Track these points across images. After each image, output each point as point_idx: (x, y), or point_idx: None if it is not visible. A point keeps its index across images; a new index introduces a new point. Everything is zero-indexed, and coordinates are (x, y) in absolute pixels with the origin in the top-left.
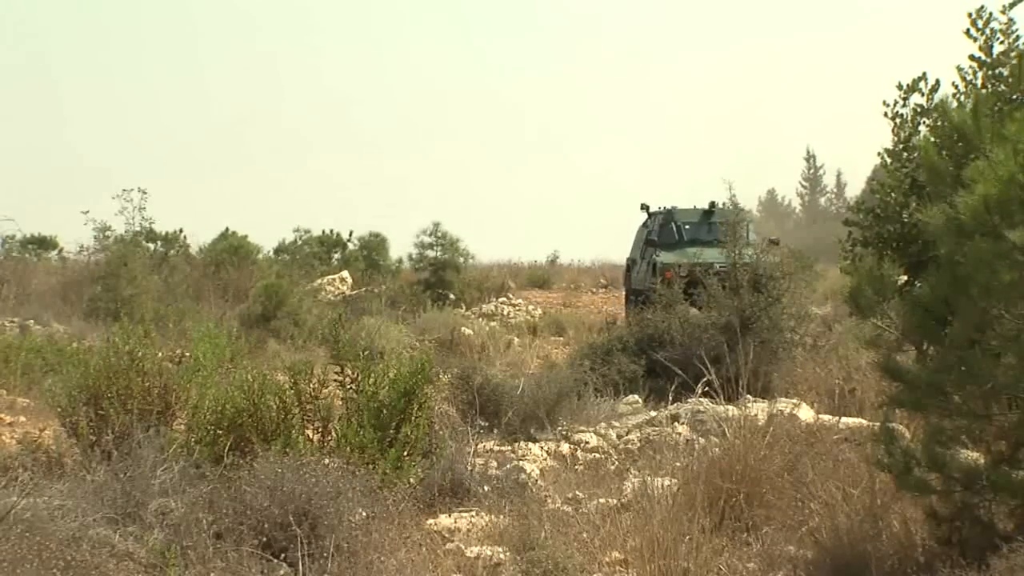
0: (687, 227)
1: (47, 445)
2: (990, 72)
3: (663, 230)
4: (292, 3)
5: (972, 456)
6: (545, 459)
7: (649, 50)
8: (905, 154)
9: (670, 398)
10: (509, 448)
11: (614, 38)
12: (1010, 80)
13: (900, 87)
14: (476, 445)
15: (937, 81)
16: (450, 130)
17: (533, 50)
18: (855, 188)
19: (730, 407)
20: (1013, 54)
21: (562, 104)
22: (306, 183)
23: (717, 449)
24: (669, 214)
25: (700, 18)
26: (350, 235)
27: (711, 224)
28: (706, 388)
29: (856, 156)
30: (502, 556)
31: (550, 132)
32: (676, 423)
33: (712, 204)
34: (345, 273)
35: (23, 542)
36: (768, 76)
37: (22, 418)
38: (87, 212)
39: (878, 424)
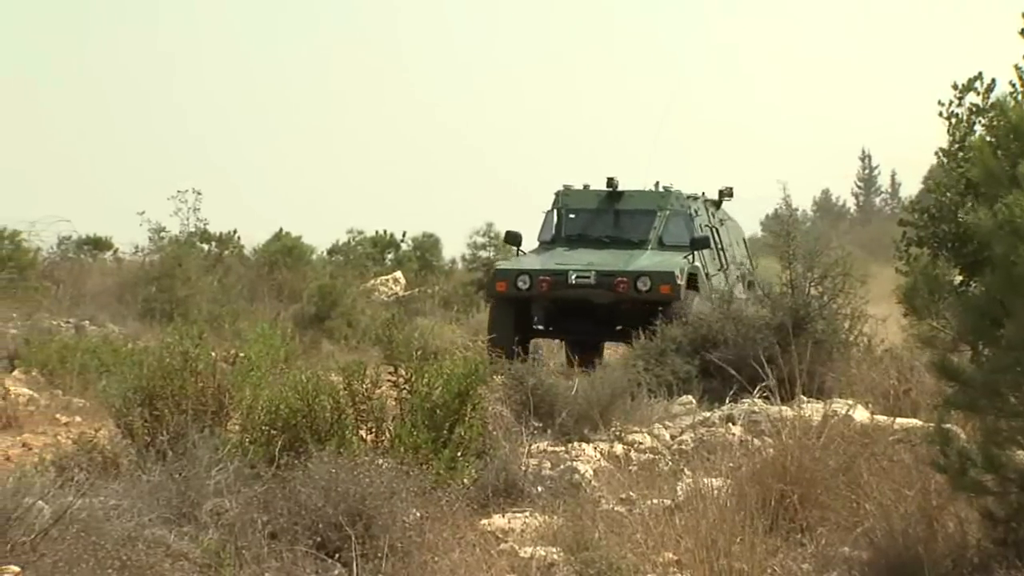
0: (572, 216)
1: (102, 445)
2: None
3: (544, 221)
4: (344, 2)
5: None
6: (599, 460)
7: (688, 46)
8: (960, 154)
9: (728, 399)
10: (563, 449)
11: (656, 33)
12: None
13: (956, 87)
14: (530, 446)
15: (993, 80)
16: (503, 128)
17: (582, 45)
18: (910, 188)
19: (784, 408)
20: None
21: (611, 98)
22: (360, 184)
23: (771, 450)
24: (555, 198)
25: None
26: (403, 236)
27: (617, 212)
28: (763, 390)
29: (911, 156)
30: (556, 557)
31: (597, 129)
32: (730, 424)
33: (611, 181)
34: (398, 274)
35: (79, 542)
36: (824, 74)
37: (78, 418)
38: (142, 213)
39: (933, 425)
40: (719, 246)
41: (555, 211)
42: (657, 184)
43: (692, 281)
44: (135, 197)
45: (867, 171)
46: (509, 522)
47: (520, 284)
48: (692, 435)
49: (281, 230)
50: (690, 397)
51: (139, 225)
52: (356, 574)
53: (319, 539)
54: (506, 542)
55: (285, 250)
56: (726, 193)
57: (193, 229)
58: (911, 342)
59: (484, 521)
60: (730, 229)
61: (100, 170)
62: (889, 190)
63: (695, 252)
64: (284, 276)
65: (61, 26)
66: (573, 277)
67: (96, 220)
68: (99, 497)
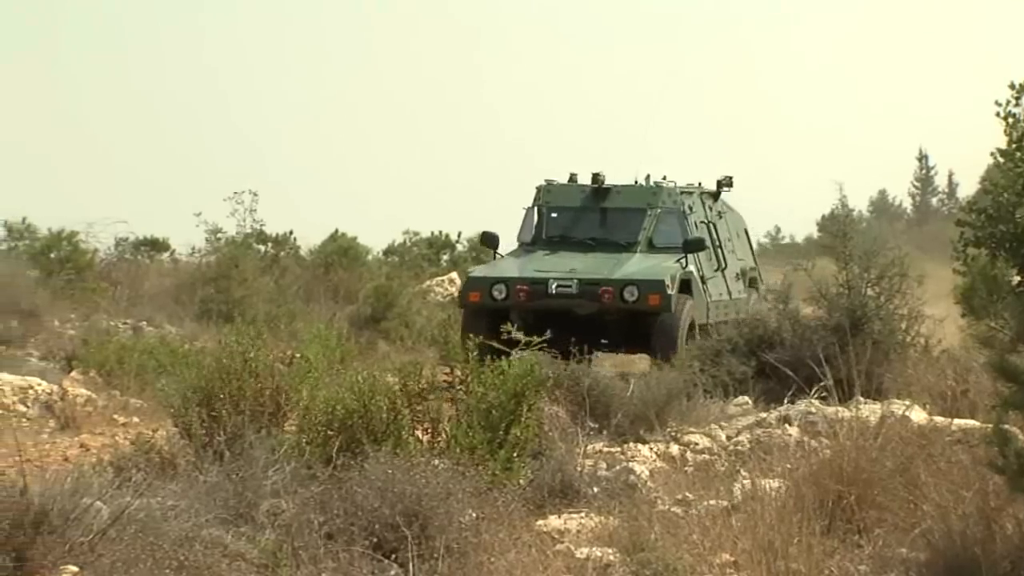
0: (555, 215)
1: (160, 446)
2: None
3: (524, 220)
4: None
5: None
6: (654, 460)
7: (753, 43)
8: (1018, 154)
9: (785, 400)
10: (618, 449)
11: (721, 31)
12: None
13: (1012, 87)
14: (585, 446)
15: None
16: (558, 129)
17: (645, 36)
18: (967, 188)
19: (841, 409)
20: None
21: (663, 100)
22: (416, 185)
23: (828, 451)
24: (536, 194)
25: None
26: (459, 236)
27: (604, 211)
28: (820, 391)
29: (969, 156)
30: (612, 557)
31: (654, 131)
32: (787, 425)
33: (597, 177)
34: (454, 274)
35: (137, 542)
36: (881, 73)
37: (135, 419)
38: (199, 214)
39: (991, 426)
40: (717, 243)
41: (536, 209)
42: (647, 178)
43: (685, 287)
44: (192, 198)
45: (924, 171)
46: (565, 523)
47: (496, 294)
48: (748, 436)
49: (337, 231)
50: (746, 398)
51: (196, 226)
52: (412, 574)
53: (375, 539)
54: (562, 543)
55: (341, 251)
56: (725, 183)
57: (249, 230)
58: (969, 342)
59: (540, 522)
60: (730, 222)
61: (157, 172)
62: (946, 190)
63: (689, 255)
64: (340, 277)
65: (116, 30)
66: (554, 286)
67: (153, 221)
68: (157, 497)
